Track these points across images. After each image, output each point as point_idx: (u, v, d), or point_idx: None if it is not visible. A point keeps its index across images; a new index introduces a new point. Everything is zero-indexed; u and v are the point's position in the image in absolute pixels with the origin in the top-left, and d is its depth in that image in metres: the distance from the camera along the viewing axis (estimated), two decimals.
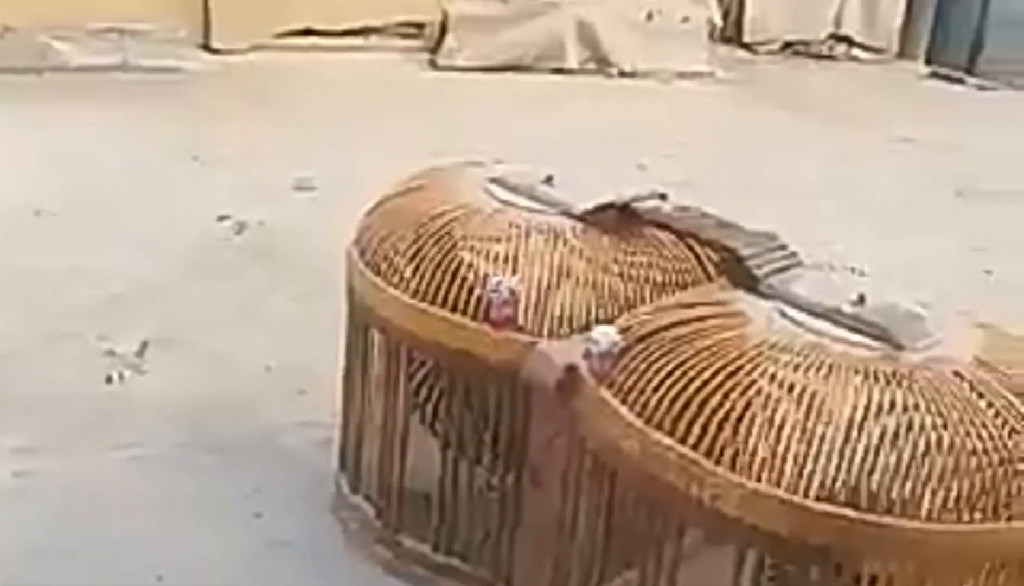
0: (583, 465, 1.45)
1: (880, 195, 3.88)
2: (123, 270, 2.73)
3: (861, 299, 1.39)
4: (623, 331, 1.41)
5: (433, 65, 4.85)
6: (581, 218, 1.65)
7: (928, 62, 5.74)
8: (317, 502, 1.93)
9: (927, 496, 1.18)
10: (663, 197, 1.68)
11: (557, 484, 1.51)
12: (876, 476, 1.19)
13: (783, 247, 1.51)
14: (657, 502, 1.32)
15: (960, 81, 5.48)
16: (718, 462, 1.23)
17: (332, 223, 3.12)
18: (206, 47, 4.50)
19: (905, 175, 4.13)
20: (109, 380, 2.25)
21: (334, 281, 2.88)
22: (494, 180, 1.75)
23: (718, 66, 5.25)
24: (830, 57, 5.69)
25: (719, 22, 5.33)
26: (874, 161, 4.28)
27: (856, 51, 5.72)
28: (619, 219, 1.64)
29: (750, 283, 1.45)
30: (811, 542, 1.19)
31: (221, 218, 3.06)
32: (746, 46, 5.57)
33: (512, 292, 1.52)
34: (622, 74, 5.05)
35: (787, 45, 5.65)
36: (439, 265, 1.61)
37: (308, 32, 4.69)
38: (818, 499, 1.19)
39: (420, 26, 4.90)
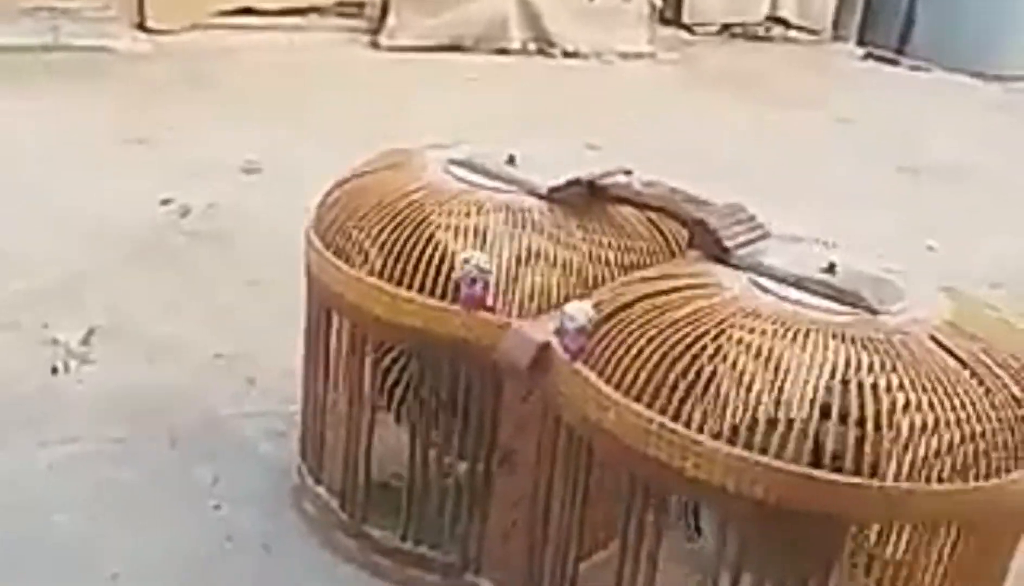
0: (557, 443, 1.44)
1: (823, 174, 3.93)
2: (62, 256, 2.64)
3: (831, 267, 1.39)
4: (597, 306, 1.39)
5: (374, 45, 4.79)
6: (547, 196, 1.63)
7: (861, 43, 5.83)
8: (277, 494, 1.87)
9: (907, 459, 1.18)
10: (628, 174, 1.66)
11: (530, 464, 1.49)
12: (855, 437, 1.19)
13: (752, 219, 1.51)
14: (636, 474, 1.31)
15: (894, 62, 5.58)
16: (699, 430, 1.22)
17: (280, 206, 3.07)
18: (141, 26, 4.37)
19: (846, 154, 4.20)
20: (55, 371, 2.17)
21: (284, 266, 2.82)
22: (456, 161, 1.71)
23: (659, 47, 5.27)
24: (767, 39, 5.75)
25: (659, 3, 5.34)
26: (815, 140, 4.33)
27: (792, 32, 5.79)
28: (586, 197, 1.62)
29: (721, 254, 1.44)
30: (793, 507, 1.19)
31: (165, 201, 2.97)
32: (686, 27, 5.60)
33: (483, 271, 1.49)
34: (565, 55, 5.04)
35: (725, 27, 5.69)
36: (404, 246, 1.57)
37: (246, 11, 4.58)
38: (800, 463, 1.18)
39: (361, 5, 4.83)
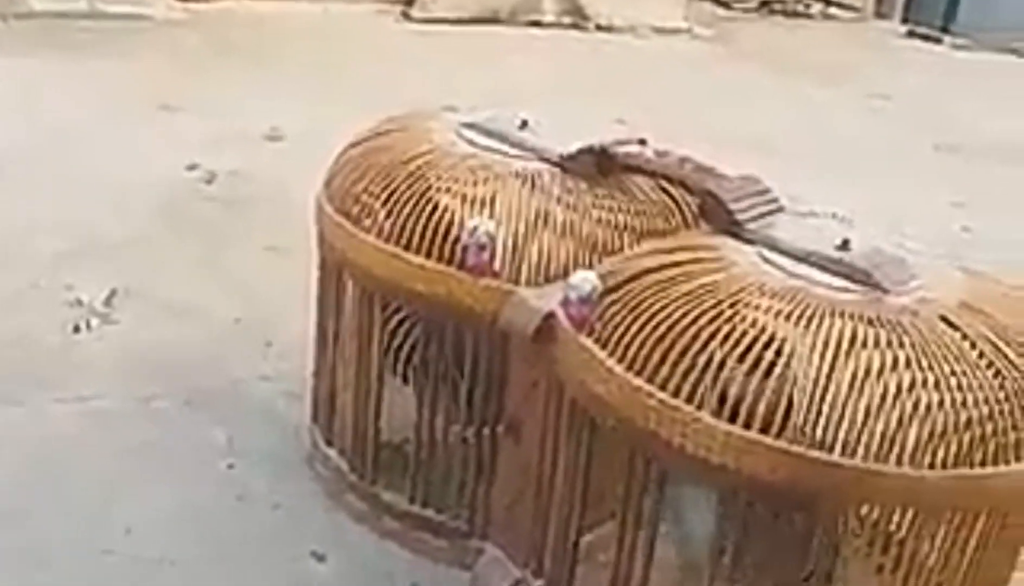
0: (561, 414, 1.43)
1: (858, 151, 3.87)
2: (87, 218, 2.67)
3: (845, 244, 1.36)
4: (603, 277, 1.37)
5: (407, 16, 4.77)
6: (559, 163, 1.61)
7: (904, 21, 5.72)
8: (289, 455, 1.89)
9: (911, 441, 1.16)
10: (642, 142, 1.64)
11: (535, 435, 1.49)
12: (860, 420, 1.17)
13: (765, 192, 1.48)
14: (637, 450, 1.30)
15: (937, 40, 5.47)
16: (700, 407, 1.21)
17: (303, 173, 3.03)
18: None
19: (882, 131, 4.13)
20: (77, 329, 2.20)
21: (304, 232, 2.83)
22: (468, 124, 1.70)
23: (695, 22, 5.20)
24: (806, 15, 5.66)
25: None
26: (852, 117, 4.27)
27: (832, 9, 5.69)
28: (598, 164, 1.60)
29: (732, 228, 1.42)
30: (796, 488, 1.17)
31: (190, 167, 2.99)
32: (722, 3, 5.53)
33: (490, 237, 1.48)
34: (598, 28, 5.00)
35: (764, 3, 5.61)
36: (413, 210, 1.56)
37: None
38: (804, 444, 1.17)
39: None
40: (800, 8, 5.61)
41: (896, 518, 1.20)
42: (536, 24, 4.90)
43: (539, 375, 1.46)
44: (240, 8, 4.52)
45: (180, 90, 3.56)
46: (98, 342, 2.19)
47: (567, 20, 4.97)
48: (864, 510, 1.18)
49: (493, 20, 4.83)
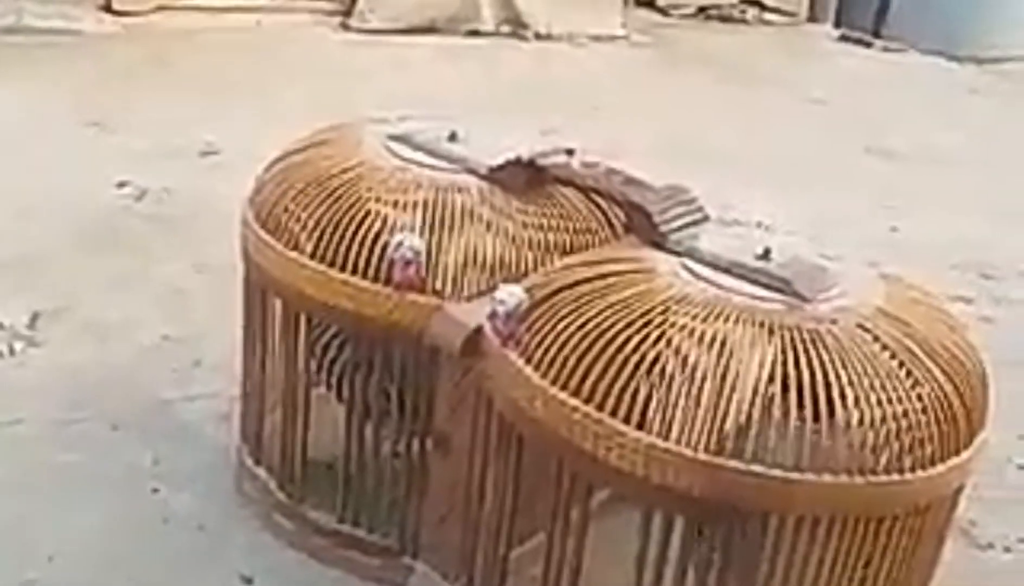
0: (490, 429, 1.42)
1: (792, 154, 3.92)
2: (12, 237, 2.59)
3: (766, 253, 1.37)
4: (529, 290, 1.37)
5: (345, 27, 4.73)
6: (486, 176, 1.60)
7: (837, 25, 5.81)
8: (217, 475, 1.85)
9: (834, 450, 1.16)
10: (570, 153, 1.64)
11: (464, 449, 1.48)
12: (781, 431, 1.17)
13: (691, 202, 1.49)
14: (563, 463, 1.29)
15: (868, 44, 5.56)
16: (625, 420, 1.20)
17: (238, 188, 3.00)
18: (107, 8, 4.30)
19: (816, 134, 4.18)
20: (0, 354, 2.14)
21: (236, 250, 2.79)
22: (395, 137, 1.69)
23: (632, 30, 5.23)
24: (742, 21, 5.72)
25: None
26: (786, 122, 4.32)
27: (767, 15, 5.76)
28: (525, 176, 1.60)
29: (657, 239, 1.42)
30: (718, 499, 1.17)
31: (120, 184, 2.93)
32: (660, 10, 5.57)
33: (415, 252, 1.46)
34: (537, 37, 5.00)
35: (700, 9, 5.65)
36: (338, 226, 1.54)
37: None
38: (724, 455, 1.17)
39: None
40: (736, 14, 5.67)
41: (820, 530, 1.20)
42: (475, 33, 4.89)
43: (467, 390, 1.45)
44: (173, 21, 4.44)
45: (111, 105, 3.49)
46: (21, 366, 2.13)
47: (506, 29, 4.96)
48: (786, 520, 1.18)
49: (431, 29, 4.81)
